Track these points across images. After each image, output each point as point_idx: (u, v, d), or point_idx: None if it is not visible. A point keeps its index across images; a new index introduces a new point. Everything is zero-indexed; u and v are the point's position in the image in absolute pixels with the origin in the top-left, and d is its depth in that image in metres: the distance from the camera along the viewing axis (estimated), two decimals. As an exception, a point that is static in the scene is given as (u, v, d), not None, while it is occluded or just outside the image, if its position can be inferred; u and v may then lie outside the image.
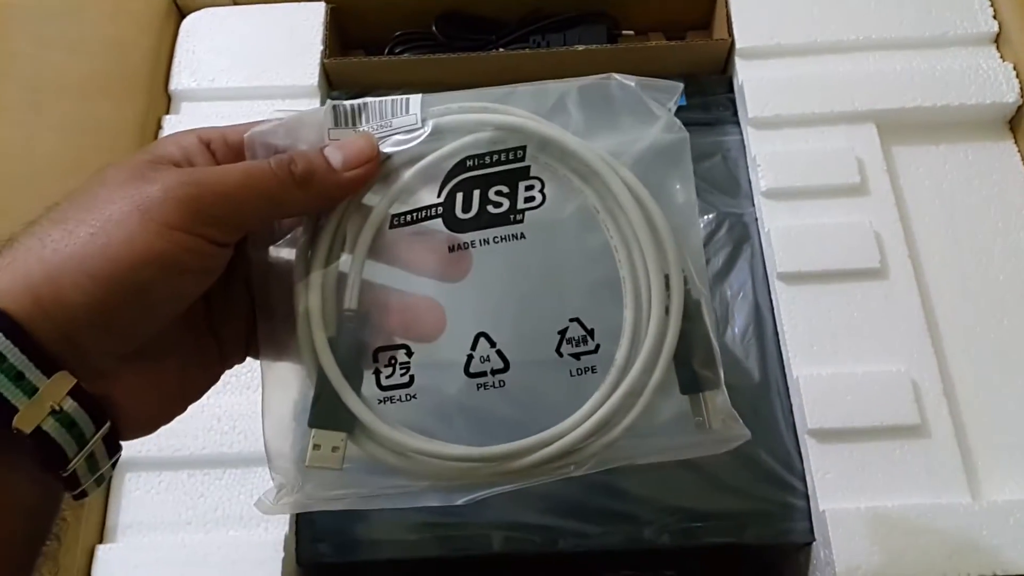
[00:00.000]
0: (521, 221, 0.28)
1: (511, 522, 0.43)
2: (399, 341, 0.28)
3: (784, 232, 0.47)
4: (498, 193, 0.28)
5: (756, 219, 0.49)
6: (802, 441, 0.44)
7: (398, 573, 0.47)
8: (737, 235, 0.49)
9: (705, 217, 0.50)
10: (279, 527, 0.42)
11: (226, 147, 0.27)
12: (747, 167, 0.51)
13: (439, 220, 0.28)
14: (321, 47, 0.54)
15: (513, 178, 0.28)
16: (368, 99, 0.28)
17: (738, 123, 0.53)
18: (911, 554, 0.40)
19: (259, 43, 0.55)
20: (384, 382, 0.27)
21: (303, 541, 0.43)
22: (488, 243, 0.28)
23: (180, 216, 0.23)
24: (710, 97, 0.54)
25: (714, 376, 0.29)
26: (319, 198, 0.27)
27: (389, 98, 0.28)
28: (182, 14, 0.57)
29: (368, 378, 0.27)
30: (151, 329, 0.25)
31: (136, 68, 0.54)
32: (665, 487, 0.43)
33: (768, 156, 0.49)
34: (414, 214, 0.28)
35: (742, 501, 0.43)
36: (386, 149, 0.27)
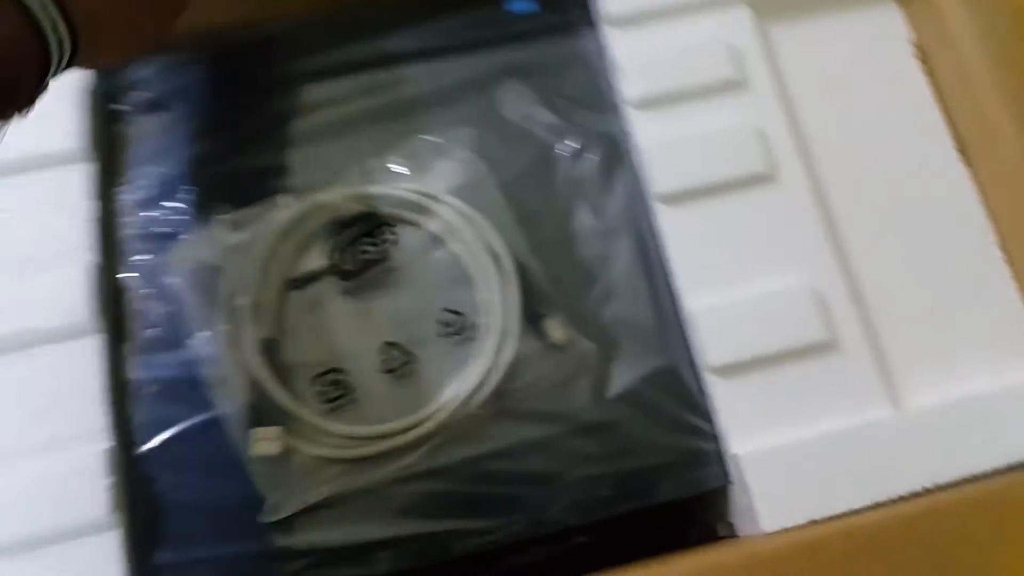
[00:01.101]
0: (389, 259, 0.39)
1: (394, 537, 0.36)
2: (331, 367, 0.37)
3: (659, 146, 0.40)
4: (366, 244, 0.39)
5: (627, 134, 0.42)
6: (705, 380, 0.38)
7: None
8: (609, 156, 0.42)
9: (570, 141, 0.42)
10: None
11: None
12: (611, 75, 0.43)
13: (329, 276, 0.39)
14: None
15: (373, 231, 0.39)
16: (249, 209, 0.39)
17: (595, 24, 0.44)
18: (837, 483, 0.35)
19: None
20: (327, 397, 0.37)
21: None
22: (371, 281, 0.39)
23: None
24: (560, -3, 0.45)
25: (551, 310, 0.38)
26: None
27: (264, 203, 0.39)
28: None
29: (314, 398, 0.37)
30: None
31: None
32: (565, 460, 0.37)
33: (631, 59, 0.41)
34: (309, 276, 0.39)
35: (649, 456, 0.37)
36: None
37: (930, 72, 0.43)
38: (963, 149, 0.42)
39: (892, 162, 0.41)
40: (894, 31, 0.44)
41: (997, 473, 0.35)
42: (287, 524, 0.36)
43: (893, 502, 0.35)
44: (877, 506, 0.35)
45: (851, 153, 0.41)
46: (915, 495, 0.35)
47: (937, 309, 0.39)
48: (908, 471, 0.35)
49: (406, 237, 0.40)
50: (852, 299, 0.38)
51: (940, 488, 0.35)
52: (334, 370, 0.37)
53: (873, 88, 0.42)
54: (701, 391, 0.38)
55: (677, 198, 0.39)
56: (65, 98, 0.41)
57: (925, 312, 0.39)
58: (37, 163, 0.40)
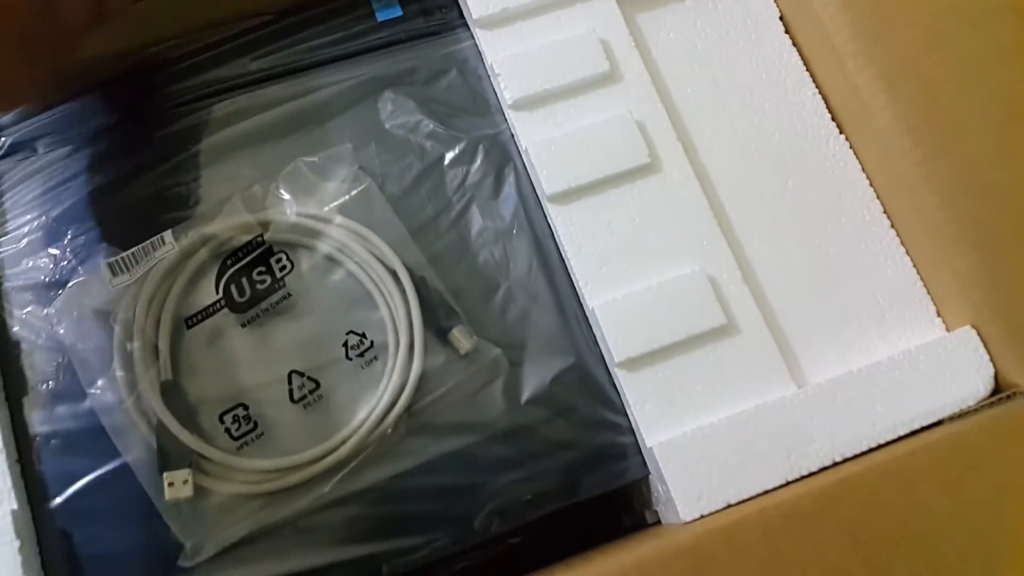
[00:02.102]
0: (284, 286, 0.37)
1: (320, 566, 0.34)
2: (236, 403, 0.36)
3: (543, 147, 0.39)
4: (259, 273, 0.37)
5: (511, 136, 0.41)
6: (614, 375, 0.37)
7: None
8: (496, 159, 0.40)
9: (456, 148, 0.40)
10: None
11: None
12: (489, 77, 0.42)
13: (224, 310, 0.37)
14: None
15: (264, 259, 0.37)
16: (134, 249, 0.37)
17: (468, 25, 0.43)
18: (749, 465, 0.34)
19: None
20: (235, 434, 0.35)
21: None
22: (268, 310, 0.37)
23: None
24: (429, 1, 0.43)
25: (455, 320, 0.37)
26: None
27: (148, 241, 0.37)
28: None
29: (223, 436, 0.35)
30: None
31: None
32: (483, 470, 0.36)
33: (506, 61, 0.40)
34: (203, 312, 0.37)
35: (568, 455, 0.36)
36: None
37: (799, 46, 0.43)
38: (839, 122, 0.42)
39: (772, 140, 0.41)
40: (761, 7, 0.43)
41: (903, 439, 0.35)
42: (209, 567, 0.34)
43: (805, 478, 0.35)
44: (789, 484, 0.35)
45: (731, 135, 0.41)
46: (825, 469, 0.35)
47: (831, 283, 0.39)
48: (817, 446, 0.35)
49: (300, 262, 0.38)
50: (746, 281, 0.38)
51: (850, 460, 0.35)
52: (240, 405, 0.36)
53: (746, 67, 0.42)
54: (612, 385, 0.37)
55: (567, 196, 0.38)
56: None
57: (819, 287, 0.39)
58: None
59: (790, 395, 0.36)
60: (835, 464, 0.35)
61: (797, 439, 0.35)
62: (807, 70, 0.43)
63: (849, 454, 0.35)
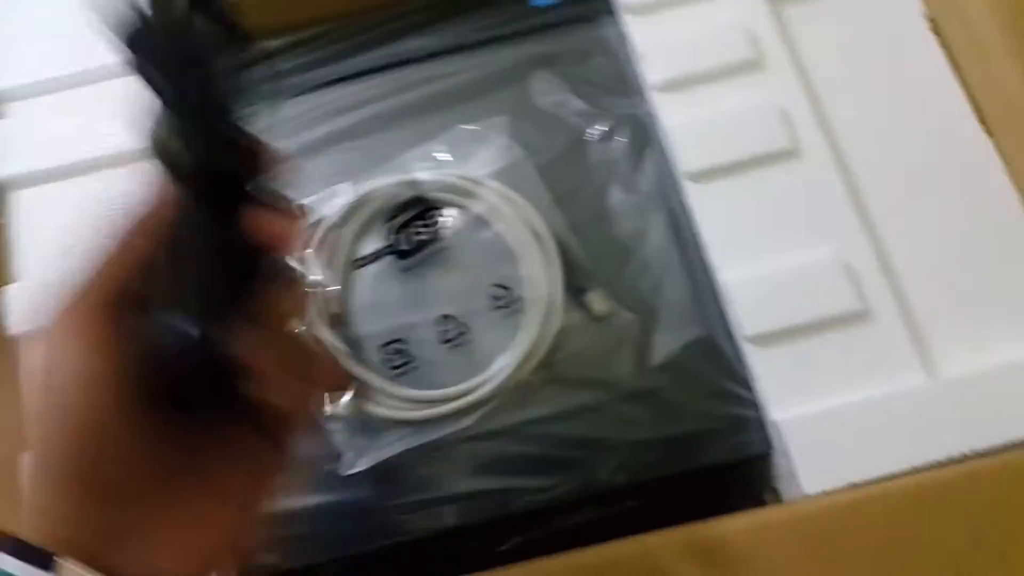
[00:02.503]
0: (441, 239, 0.41)
1: (460, 492, 0.37)
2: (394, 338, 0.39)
3: (684, 127, 0.40)
4: (420, 226, 0.40)
5: (653, 116, 0.42)
6: (742, 349, 0.38)
7: (346, 570, 0.42)
8: (637, 137, 0.42)
9: (600, 125, 0.42)
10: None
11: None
12: (634, 61, 0.44)
13: (388, 256, 0.40)
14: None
15: (425, 213, 0.41)
16: (313, 196, 0.41)
17: (615, 12, 0.45)
18: (874, 449, 0.35)
19: (77, 18, 0.45)
20: (393, 364, 0.39)
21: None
22: (426, 260, 0.41)
23: None
24: (581, -12, 0.46)
25: (592, 284, 0.40)
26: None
27: (327, 189, 0.41)
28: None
29: (382, 366, 0.39)
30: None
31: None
32: (612, 425, 0.37)
33: (652, 45, 0.42)
34: (371, 256, 0.41)
35: (693, 422, 0.37)
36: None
37: (946, 46, 0.43)
38: (984, 120, 0.41)
39: (914, 134, 0.41)
40: (907, 6, 0.44)
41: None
42: (363, 478, 0.37)
43: (930, 467, 0.35)
44: (915, 471, 0.35)
45: (872, 126, 0.41)
46: (952, 461, 0.35)
47: (967, 278, 0.38)
48: (945, 438, 0.35)
49: (456, 219, 0.41)
50: (882, 270, 0.38)
51: (977, 455, 0.35)
52: (398, 340, 0.39)
53: (891, 64, 0.42)
54: (739, 360, 0.38)
55: (705, 175, 0.40)
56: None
57: (957, 282, 0.38)
58: (125, 159, 0.42)
59: (921, 385, 0.36)
60: (963, 457, 0.35)
61: (926, 429, 0.35)
62: (953, 70, 0.43)
63: (977, 449, 0.35)
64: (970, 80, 0.42)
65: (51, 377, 0.23)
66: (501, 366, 0.38)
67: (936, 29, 0.43)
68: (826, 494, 0.35)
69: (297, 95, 0.44)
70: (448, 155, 0.42)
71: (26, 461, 0.24)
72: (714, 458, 0.37)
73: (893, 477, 0.35)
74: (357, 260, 0.40)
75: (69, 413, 0.23)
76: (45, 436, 0.23)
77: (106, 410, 0.23)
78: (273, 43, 0.45)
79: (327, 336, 0.38)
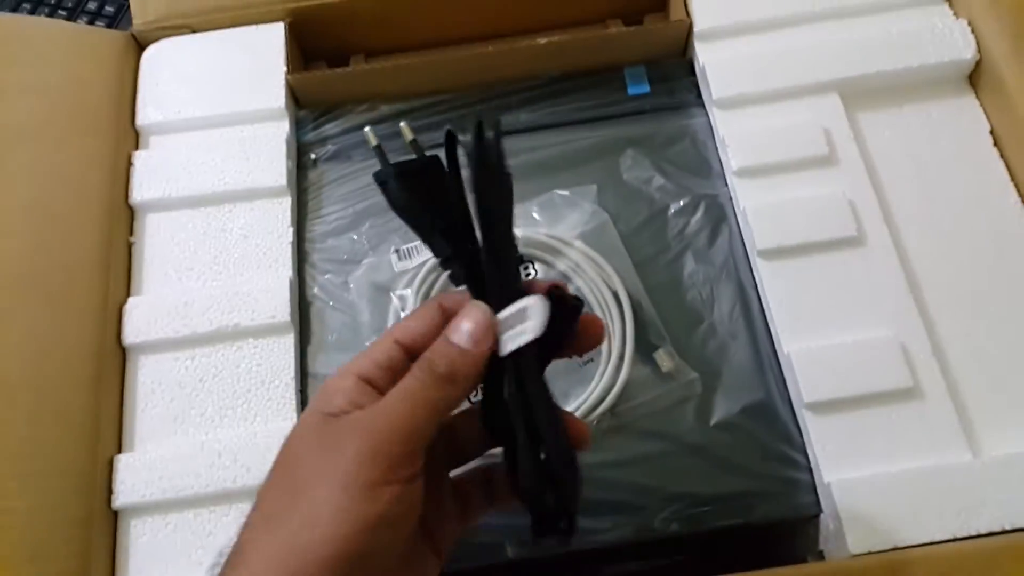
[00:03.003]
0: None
1: (522, 526, 0.40)
2: None
3: (759, 209, 0.45)
4: None
5: (731, 198, 0.47)
6: (799, 415, 0.41)
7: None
8: (714, 216, 0.47)
9: (680, 201, 0.47)
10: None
11: (382, 370, 0.28)
12: (716, 147, 0.49)
13: None
14: (284, 66, 0.51)
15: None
16: (415, 242, 0.46)
17: (703, 104, 0.50)
18: (921, 516, 0.37)
19: (221, 69, 0.52)
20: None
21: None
22: None
23: (375, 473, 0.25)
24: (674, 82, 0.51)
25: (661, 342, 0.43)
26: (467, 383, 0.28)
27: None
28: (141, 47, 0.53)
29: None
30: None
31: (99, 105, 0.50)
32: (670, 475, 0.41)
33: (736, 135, 0.47)
34: None
35: (747, 481, 0.41)
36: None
37: (1006, 159, 0.47)
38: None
39: (973, 237, 0.45)
40: (973, 119, 0.48)
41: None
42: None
43: (972, 538, 0.37)
44: (957, 540, 0.37)
45: (933, 226, 0.45)
46: (993, 534, 0.37)
47: (1014, 365, 0.41)
48: (988, 512, 0.37)
49: (541, 273, 0.46)
50: (934, 353, 0.41)
51: (1019, 530, 0.37)
52: None
53: (953, 170, 0.46)
54: (795, 425, 0.42)
55: (776, 254, 0.44)
56: (272, 144, 0.49)
57: (1003, 368, 0.41)
58: (250, 195, 0.48)
59: (966, 462, 0.39)
60: (1004, 532, 0.37)
61: (969, 502, 0.38)
62: (1012, 181, 0.46)
63: (1019, 524, 0.37)
64: (1025, 189, 0.46)
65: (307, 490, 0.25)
66: (571, 410, 0.41)
67: (997, 142, 0.47)
68: (870, 554, 0.37)
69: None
70: (540, 216, 0.47)
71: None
72: (766, 515, 0.40)
73: (936, 543, 0.37)
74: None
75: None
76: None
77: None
78: (405, 104, 0.51)
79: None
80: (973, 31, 0.48)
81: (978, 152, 0.47)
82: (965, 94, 0.49)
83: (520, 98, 0.51)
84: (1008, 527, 0.37)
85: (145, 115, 0.51)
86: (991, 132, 0.48)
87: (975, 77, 0.48)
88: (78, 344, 0.42)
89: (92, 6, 0.70)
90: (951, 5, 0.50)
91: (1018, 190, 0.46)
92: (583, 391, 0.42)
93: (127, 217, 0.48)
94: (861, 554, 0.37)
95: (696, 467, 0.41)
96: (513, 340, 0.28)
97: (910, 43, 0.48)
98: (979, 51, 0.48)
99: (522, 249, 0.46)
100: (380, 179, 0.31)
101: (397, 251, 0.46)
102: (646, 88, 0.51)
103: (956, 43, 0.48)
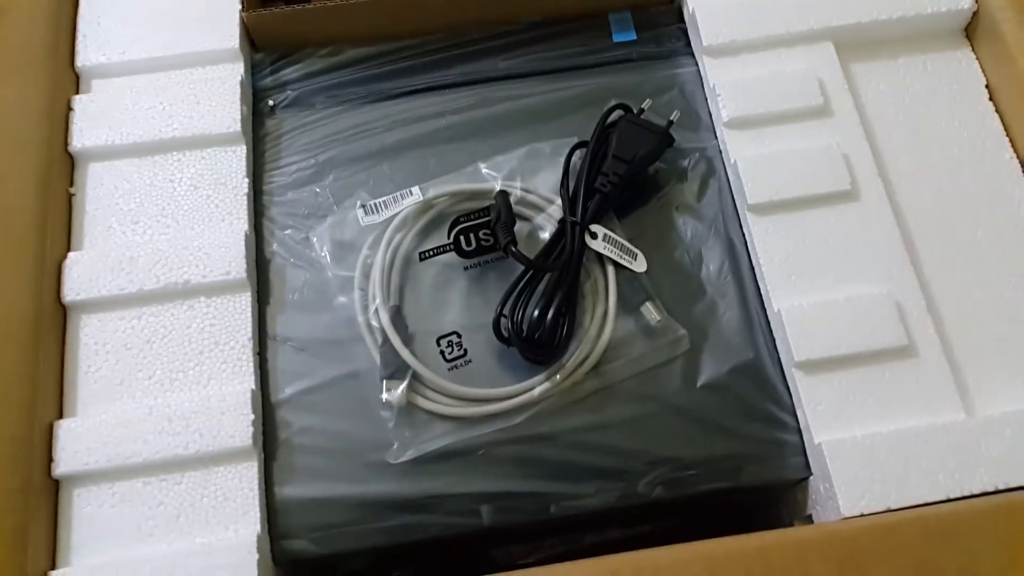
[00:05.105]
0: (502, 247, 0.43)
1: (499, 492, 0.39)
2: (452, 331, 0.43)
3: (751, 162, 0.44)
4: (485, 233, 0.43)
5: (720, 151, 0.46)
6: (789, 375, 0.41)
7: (383, 559, 0.44)
8: (703, 170, 0.46)
9: (667, 155, 0.46)
10: (250, 527, 0.38)
11: None
12: (705, 98, 0.48)
13: (452, 253, 0.43)
14: (239, 3, 0.49)
15: (490, 222, 0.44)
16: (384, 197, 0.45)
17: (692, 53, 0.49)
18: (912, 477, 0.38)
19: (170, 6, 0.49)
20: (448, 356, 0.42)
21: (277, 539, 0.39)
22: (488, 262, 0.44)
23: None
24: (661, 29, 0.50)
25: (648, 297, 0.43)
26: None
27: (398, 191, 0.45)
28: (79, -19, 0.51)
29: (436, 359, 0.42)
30: None
31: (33, 45, 0.47)
32: (655, 439, 0.40)
33: (727, 85, 0.46)
34: (435, 250, 0.44)
35: (734, 443, 0.41)
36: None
37: (1001, 113, 0.47)
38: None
39: (966, 191, 0.45)
40: (969, 72, 0.48)
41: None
42: (408, 468, 0.40)
43: (966, 498, 0.37)
44: (950, 500, 0.37)
45: (928, 179, 0.45)
46: (987, 493, 0.37)
47: (1010, 324, 0.42)
48: (982, 471, 0.38)
49: (521, 228, 0.44)
50: (929, 310, 0.41)
51: (1011, 489, 0.37)
52: (454, 333, 0.42)
53: (948, 123, 0.47)
54: (784, 387, 0.41)
55: (767, 208, 0.44)
56: (225, 88, 0.47)
57: (999, 326, 0.42)
58: (201, 143, 0.46)
59: (960, 420, 0.39)
60: (997, 491, 0.38)
61: (963, 461, 0.38)
62: (1007, 135, 0.46)
63: (1013, 484, 0.38)
64: (1020, 141, 0.46)
65: None
66: (557, 367, 0.41)
67: (993, 95, 0.47)
68: (862, 516, 0.37)
69: (386, 99, 0.48)
70: (519, 169, 0.46)
71: None
72: (753, 479, 0.40)
73: (929, 505, 0.37)
74: (424, 252, 0.44)
75: None
76: None
77: None
78: (372, 48, 0.49)
79: (386, 326, 0.41)
80: (970, -20, 0.48)
81: (974, 106, 0.47)
82: (961, 46, 0.49)
83: (497, 44, 0.49)
84: (1002, 486, 0.38)
85: (86, 56, 0.49)
86: (987, 86, 0.48)
87: (971, 29, 0.49)
88: (14, 303, 0.40)
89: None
90: (948, -46, 0.49)
91: (1014, 145, 0.46)
92: (570, 348, 0.41)
93: (66, 166, 0.46)
94: (852, 516, 0.37)
95: (682, 429, 0.41)
96: None
97: (906, -9, 0.47)
98: (976, 2, 0.47)
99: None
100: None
101: (364, 206, 0.45)
102: (632, 35, 0.50)
103: (953, -8, 0.47)
